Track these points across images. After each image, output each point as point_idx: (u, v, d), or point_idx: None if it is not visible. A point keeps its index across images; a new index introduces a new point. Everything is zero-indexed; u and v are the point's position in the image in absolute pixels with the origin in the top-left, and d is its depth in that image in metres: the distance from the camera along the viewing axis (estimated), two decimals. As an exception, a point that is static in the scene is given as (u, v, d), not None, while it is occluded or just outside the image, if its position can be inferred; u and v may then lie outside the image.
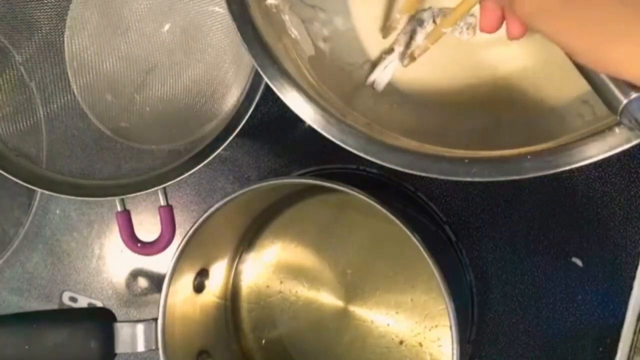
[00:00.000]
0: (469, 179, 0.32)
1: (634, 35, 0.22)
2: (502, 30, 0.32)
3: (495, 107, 0.41)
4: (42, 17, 0.51)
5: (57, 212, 0.61)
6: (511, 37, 0.29)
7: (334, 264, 0.51)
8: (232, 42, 0.49)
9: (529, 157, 0.31)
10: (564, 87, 0.40)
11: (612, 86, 0.28)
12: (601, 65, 0.24)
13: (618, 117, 0.28)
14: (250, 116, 0.44)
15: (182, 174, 0.45)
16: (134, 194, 0.46)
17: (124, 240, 0.48)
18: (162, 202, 0.46)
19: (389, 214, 0.39)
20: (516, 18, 0.28)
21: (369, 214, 0.50)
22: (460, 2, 0.35)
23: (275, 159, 0.55)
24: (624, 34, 0.22)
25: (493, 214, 0.50)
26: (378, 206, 0.39)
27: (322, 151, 0.54)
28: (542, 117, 0.40)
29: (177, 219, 0.49)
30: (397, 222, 0.39)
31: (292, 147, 0.55)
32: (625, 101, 0.27)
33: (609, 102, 0.28)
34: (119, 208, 0.47)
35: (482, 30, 0.31)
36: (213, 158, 0.45)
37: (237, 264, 0.53)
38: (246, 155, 0.56)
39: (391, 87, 0.43)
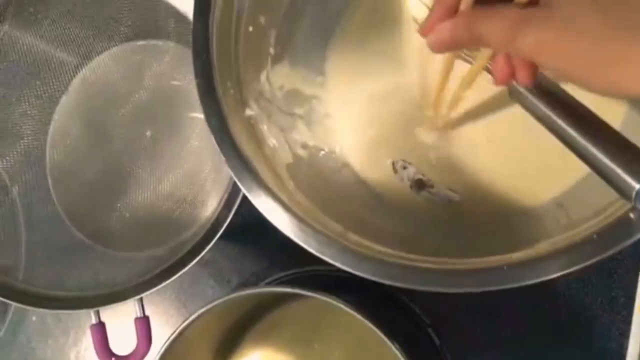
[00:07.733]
0: (442, 290, 0.32)
1: (628, 60, 0.24)
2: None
3: (470, 210, 0.42)
4: (25, 126, 0.52)
5: (34, 318, 0.60)
6: (522, 83, 0.30)
7: (317, 370, 0.50)
8: (212, 149, 0.49)
9: (505, 267, 0.31)
10: (539, 188, 0.41)
11: (621, 172, 0.28)
12: (601, 87, 0.26)
13: (633, 203, 0.28)
14: (231, 220, 0.44)
15: (160, 283, 0.44)
16: (109, 306, 0.45)
17: (97, 354, 0.46)
18: (139, 314, 0.45)
19: (368, 323, 0.38)
20: (522, 60, 0.30)
21: (351, 319, 0.49)
22: (478, 60, 0.35)
23: (256, 261, 0.55)
24: (619, 58, 0.24)
25: (476, 317, 0.50)
26: (357, 315, 0.39)
27: (303, 253, 0.52)
28: (518, 220, 0.40)
29: (156, 324, 0.47)
30: (377, 331, 0.38)
31: (273, 249, 0.54)
32: (638, 186, 0.27)
33: (621, 189, 0.28)
34: (93, 320, 0.46)
35: (498, 84, 0.32)
36: (193, 262, 0.44)
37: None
38: (227, 258, 0.55)
39: (366, 190, 0.44)
